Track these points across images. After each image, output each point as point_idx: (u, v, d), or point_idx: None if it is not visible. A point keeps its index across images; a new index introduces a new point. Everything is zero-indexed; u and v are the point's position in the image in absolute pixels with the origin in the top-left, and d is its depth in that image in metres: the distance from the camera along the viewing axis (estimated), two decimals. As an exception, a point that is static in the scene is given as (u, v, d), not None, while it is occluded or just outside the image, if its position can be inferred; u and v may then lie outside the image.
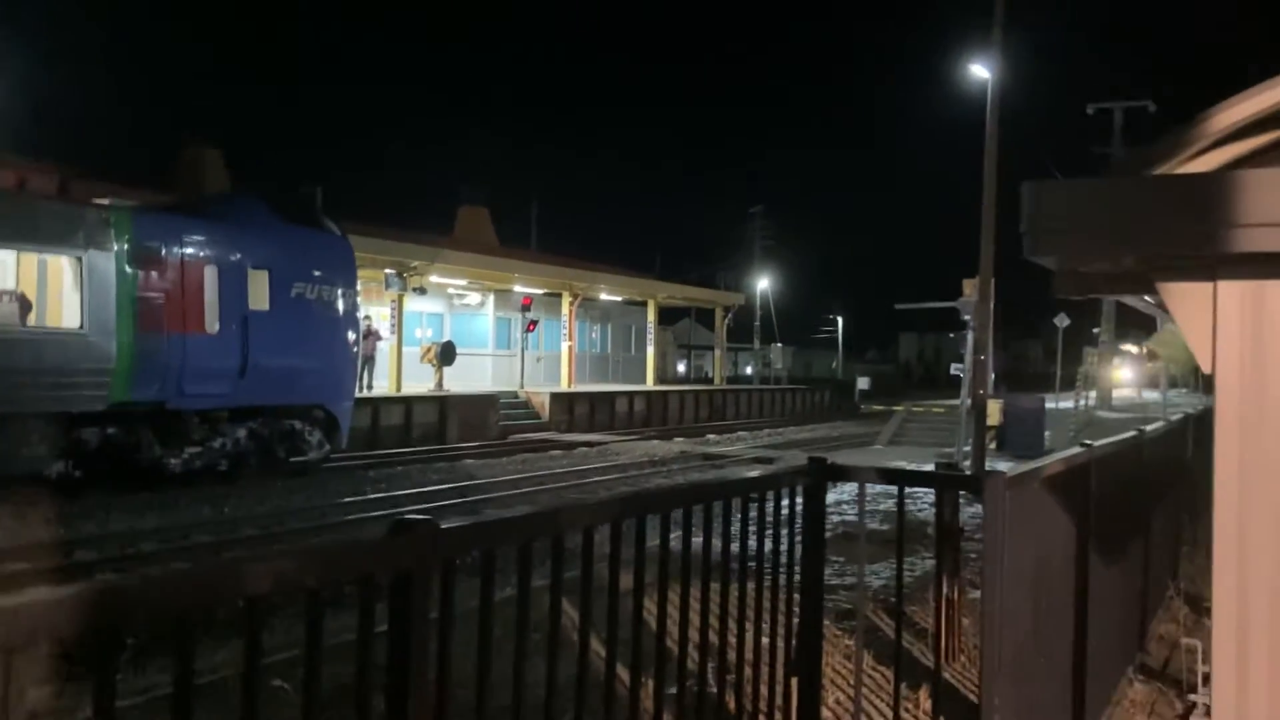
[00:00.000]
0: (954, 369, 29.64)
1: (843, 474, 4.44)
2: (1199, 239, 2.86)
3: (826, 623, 6.93)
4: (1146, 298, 3.91)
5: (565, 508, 2.73)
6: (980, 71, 21.04)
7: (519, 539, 2.56)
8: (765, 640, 4.07)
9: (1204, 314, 3.10)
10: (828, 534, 4.41)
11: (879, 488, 4.95)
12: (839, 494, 14.84)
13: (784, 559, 4.16)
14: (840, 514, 13.57)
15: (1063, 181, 3.18)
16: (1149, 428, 7.62)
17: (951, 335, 59.57)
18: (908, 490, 4.80)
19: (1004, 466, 5.05)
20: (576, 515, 2.77)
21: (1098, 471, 5.31)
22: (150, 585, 1.63)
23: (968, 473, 16.28)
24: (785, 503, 4.08)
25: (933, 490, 6.37)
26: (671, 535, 3.33)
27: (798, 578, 4.28)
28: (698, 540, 3.59)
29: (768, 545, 3.99)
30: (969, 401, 19.55)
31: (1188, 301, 3.18)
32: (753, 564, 3.95)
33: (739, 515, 3.75)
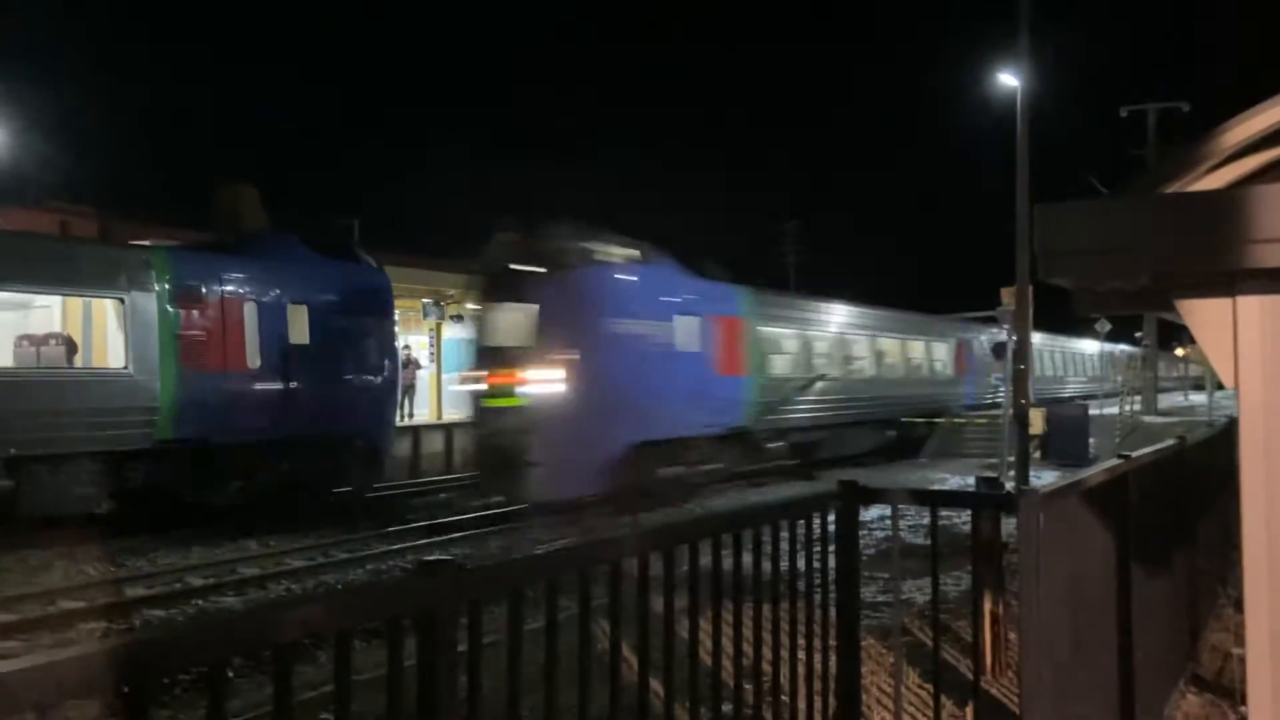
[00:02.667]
0: (994, 378, 29.34)
1: (874, 496, 4.43)
2: (1215, 256, 2.84)
3: (870, 641, 6.88)
4: (1165, 314, 3.89)
5: (590, 543, 2.75)
6: (1009, 80, 20.94)
7: (544, 577, 2.58)
8: (802, 657, 4.06)
9: (1224, 329, 3.08)
10: (871, 550, 4.42)
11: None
12: (882, 508, 14.71)
13: (818, 581, 4.15)
14: (884, 529, 13.43)
15: (1074, 204, 3.17)
16: (1191, 434, 7.51)
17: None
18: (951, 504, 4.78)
19: (1049, 476, 5.02)
20: (603, 550, 2.78)
21: (1137, 482, 5.25)
22: (181, 638, 1.67)
23: (1010, 486, 16.07)
24: (818, 524, 4.07)
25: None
26: (705, 560, 3.33)
27: (834, 598, 4.28)
28: (732, 565, 3.59)
29: (801, 568, 3.99)
30: (1010, 411, 19.35)
31: (1207, 317, 3.15)
32: (787, 587, 3.94)
33: (770, 541, 3.75)
